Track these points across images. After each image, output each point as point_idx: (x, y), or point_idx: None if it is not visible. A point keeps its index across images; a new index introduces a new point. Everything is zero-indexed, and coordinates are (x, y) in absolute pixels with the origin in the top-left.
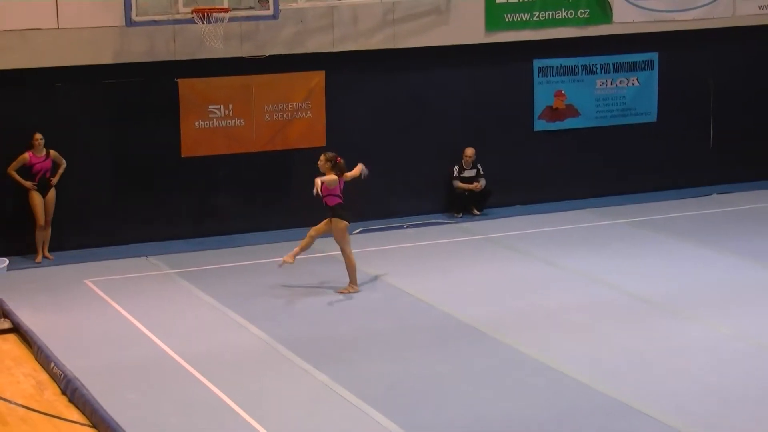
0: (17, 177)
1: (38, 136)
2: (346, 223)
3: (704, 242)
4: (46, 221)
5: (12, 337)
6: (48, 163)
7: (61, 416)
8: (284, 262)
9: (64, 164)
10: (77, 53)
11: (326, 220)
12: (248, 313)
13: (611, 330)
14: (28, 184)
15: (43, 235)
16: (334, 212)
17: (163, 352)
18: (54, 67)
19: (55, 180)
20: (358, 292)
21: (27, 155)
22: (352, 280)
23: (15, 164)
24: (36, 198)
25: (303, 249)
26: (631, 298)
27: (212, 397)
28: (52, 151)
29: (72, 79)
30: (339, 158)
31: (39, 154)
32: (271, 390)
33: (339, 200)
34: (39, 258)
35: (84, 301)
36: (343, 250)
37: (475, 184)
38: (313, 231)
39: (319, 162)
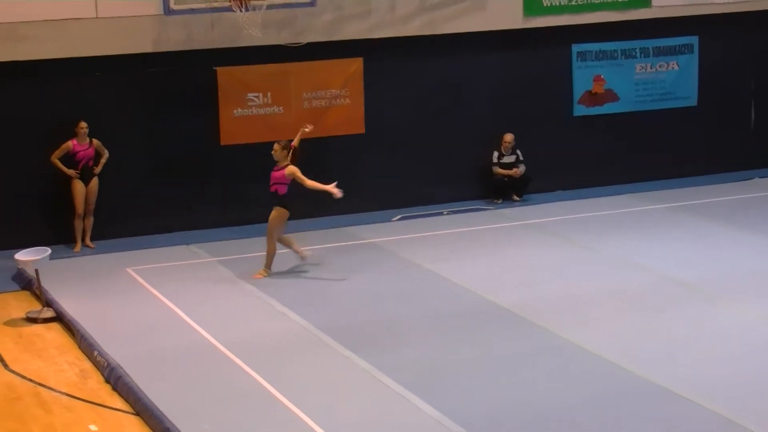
0: (60, 165)
1: (83, 124)
2: (287, 213)
3: (744, 227)
4: (88, 210)
5: (55, 326)
6: (91, 152)
7: (105, 404)
8: (258, 277)
9: (106, 154)
10: (116, 42)
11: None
12: (288, 300)
13: (649, 314)
14: (71, 172)
15: (85, 224)
16: (281, 202)
17: (205, 339)
18: (93, 57)
19: (98, 169)
20: (267, 276)
21: (71, 143)
22: (268, 265)
23: (58, 152)
24: (78, 186)
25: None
26: (670, 283)
27: (254, 384)
28: (95, 141)
29: (111, 69)
30: (293, 145)
31: (83, 142)
32: (311, 376)
33: (286, 190)
34: (78, 248)
35: (126, 289)
36: (270, 237)
37: (515, 170)
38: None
39: (273, 151)
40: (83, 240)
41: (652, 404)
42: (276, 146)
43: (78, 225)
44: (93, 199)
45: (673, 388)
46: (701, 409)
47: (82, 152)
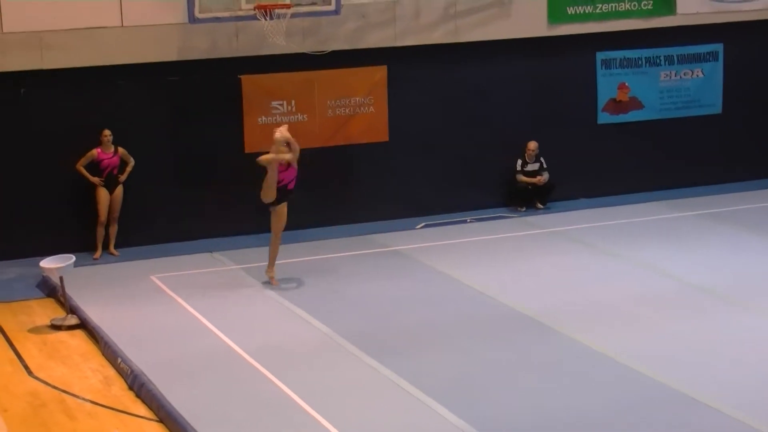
0: (85, 173)
1: (107, 132)
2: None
3: None
4: (112, 218)
5: (79, 333)
6: (116, 160)
7: (128, 411)
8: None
9: (132, 162)
10: (141, 51)
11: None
12: (312, 307)
13: (674, 321)
14: (95, 179)
15: (109, 232)
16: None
17: (228, 346)
18: (118, 65)
19: (123, 177)
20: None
21: (95, 151)
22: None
23: (83, 160)
24: (103, 194)
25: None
26: (696, 290)
27: (277, 391)
28: (120, 149)
29: (136, 77)
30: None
31: (107, 150)
32: (335, 384)
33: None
34: (98, 254)
35: (150, 296)
36: (279, 234)
37: (539, 177)
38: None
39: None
40: (107, 248)
41: (677, 411)
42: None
43: (100, 232)
44: (117, 207)
45: (698, 395)
46: (726, 416)
47: (106, 160)
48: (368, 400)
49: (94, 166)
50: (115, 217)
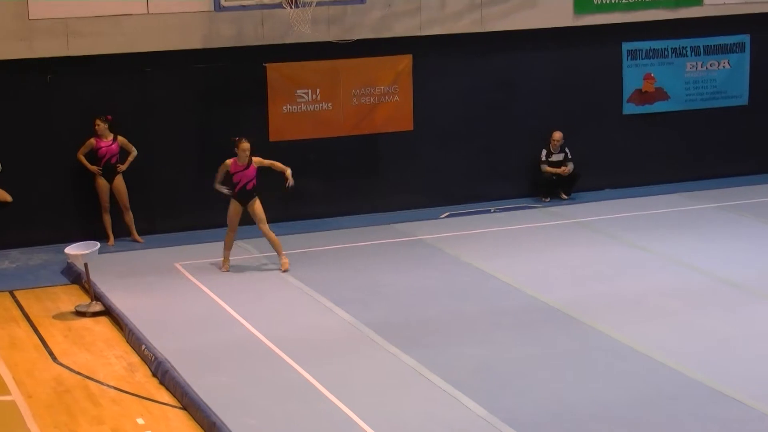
0: (84, 161)
1: (98, 121)
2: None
3: None
4: (123, 207)
5: (104, 320)
6: (114, 148)
7: (152, 398)
8: (285, 269)
9: (134, 152)
10: (167, 38)
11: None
12: (336, 296)
13: (698, 314)
14: (93, 168)
15: (126, 220)
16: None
17: (252, 335)
18: (144, 52)
19: (122, 167)
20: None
21: (93, 140)
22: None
23: (83, 149)
24: (101, 183)
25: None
26: (720, 282)
27: (301, 380)
28: (120, 137)
29: (161, 64)
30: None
31: (105, 138)
32: (358, 373)
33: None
34: (111, 241)
35: (174, 284)
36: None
37: (563, 168)
38: (261, 224)
39: (244, 150)
40: (130, 235)
41: (703, 404)
42: (245, 145)
43: (106, 219)
44: (123, 195)
45: (724, 389)
46: (751, 409)
47: (104, 148)
48: (391, 390)
49: (93, 155)
50: (125, 205)
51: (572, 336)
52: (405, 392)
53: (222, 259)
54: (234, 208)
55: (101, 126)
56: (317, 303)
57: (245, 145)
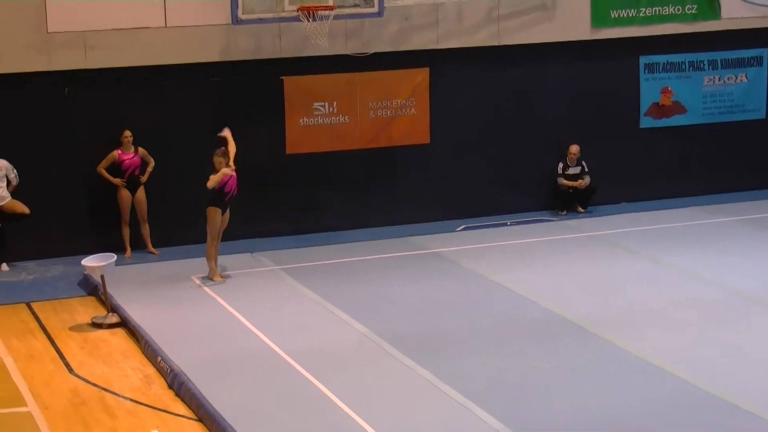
0: (106, 174)
1: (128, 133)
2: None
3: None
4: (141, 218)
5: (120, 332)
6: (137, 160)
7: (168, 410)
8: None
9: (152, 163)
10: (184, 51)
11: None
12: (351, 308)
13: (715, 328)
14: (117, 181)
15: (143, 232)
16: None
17: (268, 347)
18: (161, 65)
19: (144, 178)
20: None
21: (116, 152)
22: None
23: (104, 162)
24: (125, 195)
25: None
26: (736, 296)
27: (316, 392)
28: (140, 149)
29: (179, 77)
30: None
31: (128, 151)
32: (374, 385)
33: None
34: (128, 253)
35: (190, 296)
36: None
37: (580, 181)
38: (216, 233)
39: (216, 161)
40: (145, 247)
41: (717, 417)
42: (217, 157)
43: (125, 232)
44: (143, 207)
45: (740, 402)
46: (766, 422)
47: (128, 161)
48: (407, 402)
49: (116, 168)
50: (144, 217)
51: (588, 349)
52: (420, 404)
53: (211, 273)
54: (220, 216)
55: (129, 138)
56: (332, 315)
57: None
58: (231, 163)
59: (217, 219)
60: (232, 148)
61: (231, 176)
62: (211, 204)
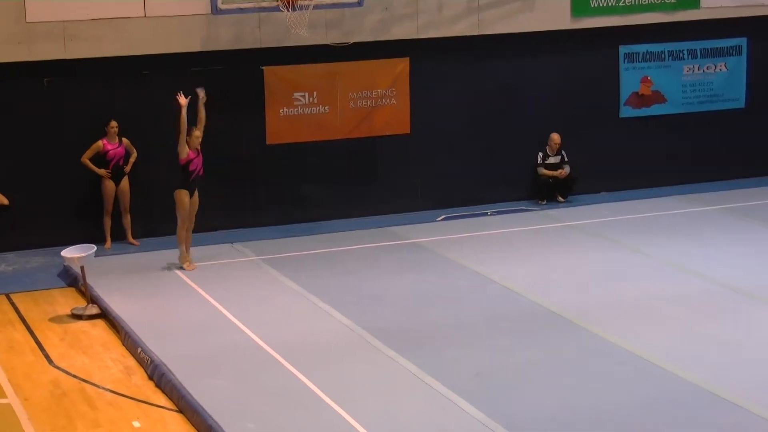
0: (91, 165)
1: (114, 123)
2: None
3: None
4: (124, 209)
5: (100, 323)
6: (121, 151)
7: (149, 401)
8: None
9: (135, 153)
10: (164, 41)
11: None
12: (334, 300)
13: (698, 318)
14: (102, 171)
15: (124, 223)
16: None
17: (249, 338)
18: (142, 56)
19: (128, 168)
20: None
21: (101, 143)
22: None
23: (89, 152)
24: (109, 185)
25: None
26: (719, 286)
27: (298, 383)
28: (124, 139)
29: (159, 67)
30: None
31: (113, 141)
32: (356, 377)
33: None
34: (108, 244)
35: (171, 287)
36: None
37: (560, 171)
38: (186, 216)
39: (197, 137)
40: (125, 237)
41: (702, 409)
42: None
43: (107, 223)
44: (126, 197)
45: (722, 393)
46: (751, 415)
47: (112, 151)
48: (390, 395)
49: (101, 158)
50: (126, 207)
51: (572, 340)
52: (403, 397)
53: (182, 258)
54: (188, 198)
55: (115, 129)
56: (315, 306)
57: (198, 132)
58: (201, 129)
59: (186, 201)
60: (202, 115)
61: (197, 156)
62: (179, 187)
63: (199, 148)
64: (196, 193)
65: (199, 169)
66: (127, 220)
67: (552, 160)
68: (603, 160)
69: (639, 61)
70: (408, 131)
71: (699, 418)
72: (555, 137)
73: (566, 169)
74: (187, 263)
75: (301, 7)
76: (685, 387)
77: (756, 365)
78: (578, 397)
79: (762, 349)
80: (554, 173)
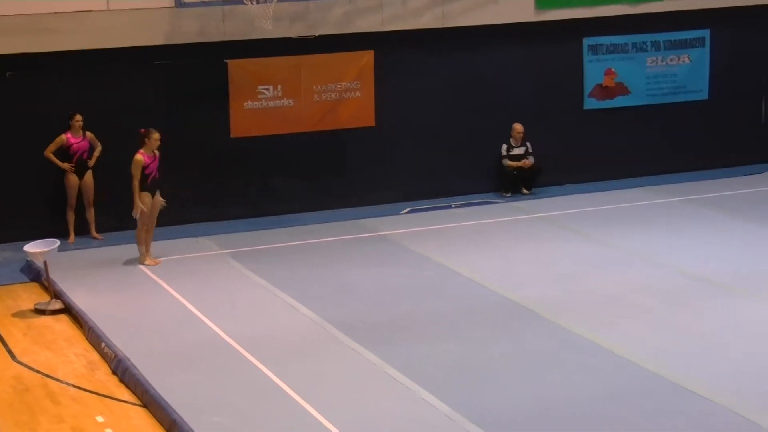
0: (54, 159)
1: (79, 117)
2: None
3: (758, 220)
4: (88, 202)
5: (64, 318)
6: (85, 144)
7: (113, 396)
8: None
9: (99, 147)
10: (128, 34)
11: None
12: (299, 294)
13: (666, 310)
14: (65, 165)
15: (88, 217)
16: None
17: (214, 332)
18: (105, 49)
19: (92, 162)
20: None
21: (65, 136)
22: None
23: (52, 146)
24: (72, 180)
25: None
26: (685, 278)
27: (263, 378)
28: (88, 133)
29: (123, 61)
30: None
31: (77, 135)
32: (322, 371)
33: None
34: (72, 239)
35: (134, 281)
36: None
37: (524, 161)
38: (145, 218)
39: (156, 140)
40: (89, 232)
41: (672, 400)
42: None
43: (71, 217)
44: (91, 192)
45: (692, 385)
46: (720, 407)
47: (76, 145)
48: (357, 388)
49: (64, 152)
50: (90, 201)
51: (540, 333)
52: (370, 391)
53: (142, 258)
54: (149, 199)
55: (80, 122)
56: (280, 300)
57: (157, 135)
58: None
59: (147, 203)
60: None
61: (153, 161)
62: (140, 189)
63: (156, 151)
64: (158, 194)
65: (155, 173)
66: (90, 214)
67: (517, 151)
68: (567, 152)
69: (603, 53)
70: (373, 124)
71: (667, 407)
72: (518, 126)
73: (530, 159)
74: (149, 260)
75: (265, 0)
76: (655, 379)
77: (725, 356)
78: (547, 390)
79: (729, 338)
80: (519, 164)
